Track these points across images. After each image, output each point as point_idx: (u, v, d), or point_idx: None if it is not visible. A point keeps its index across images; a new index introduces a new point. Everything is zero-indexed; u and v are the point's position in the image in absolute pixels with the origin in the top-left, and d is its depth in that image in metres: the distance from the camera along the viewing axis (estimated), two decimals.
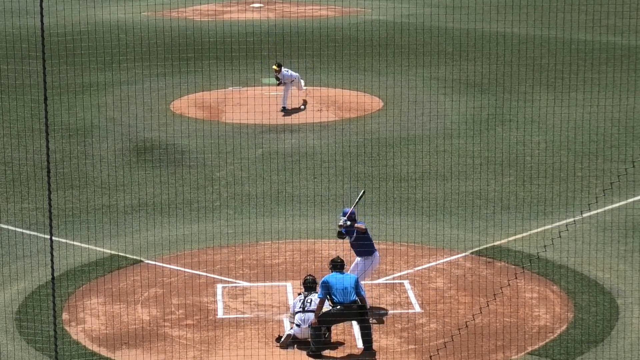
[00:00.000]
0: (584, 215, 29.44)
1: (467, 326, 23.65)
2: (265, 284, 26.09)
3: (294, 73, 41.58)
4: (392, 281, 26.25)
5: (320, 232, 29.17)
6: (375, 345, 23.03)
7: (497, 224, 29.66)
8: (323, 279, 23.13)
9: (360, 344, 23.09)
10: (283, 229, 29.31)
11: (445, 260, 27.53)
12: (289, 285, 25.99)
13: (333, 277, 23.18)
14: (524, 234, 28.97)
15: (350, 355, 22.77)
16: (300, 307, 23.26)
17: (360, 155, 35.47)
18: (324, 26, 54.79)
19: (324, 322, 23.09)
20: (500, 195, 31.72)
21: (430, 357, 22.48)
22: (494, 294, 24.91)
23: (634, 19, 53.25)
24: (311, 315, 22.90)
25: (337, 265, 23.47)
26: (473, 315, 24.17)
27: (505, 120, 39.01)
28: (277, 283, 26.13)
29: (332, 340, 23.28)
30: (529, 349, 23.10)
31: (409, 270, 26.85)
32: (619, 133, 36.94)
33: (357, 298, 23.15)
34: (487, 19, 54.07)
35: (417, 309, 24.94)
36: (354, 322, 23.57)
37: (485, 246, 28.21)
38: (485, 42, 49.71)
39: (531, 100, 41.10)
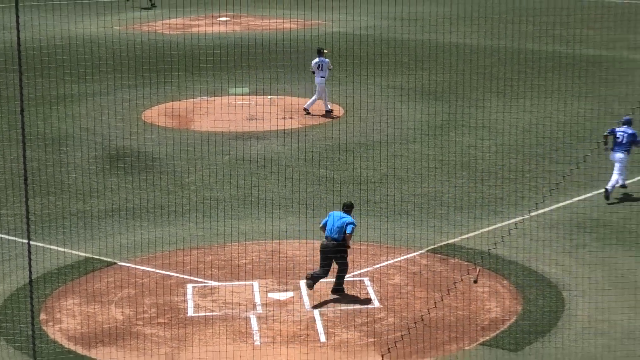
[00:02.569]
0: (532, 214, 29.57)
1: (422, 319, 23.74)
2: (233, 283, 26.13)
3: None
4: (352, 278, 26.29)
5: (285, 234, 29.22)
6: (335, 340, 23.11)
7: (451, 223, 29.78)
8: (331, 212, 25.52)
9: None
10: (250, 231, 29.36)
11: (402, 258, 27.63)
12: (255, 284, 26.03)
13: (336, 214, 25.27)
14: (476, 232, 29.10)
15: (312, 348, 22.83)
16: None
17: (322, 160, 35.55)
18: (287, 38, 54.73)
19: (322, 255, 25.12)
20: (454, 196, 31.84)
21: (389, 349, 22.56)
22: (448, 289, 25.01)
23: (578, 29, 53.54)
24: None
25: (345, 206, 25.43)
26: (428, 309, 24.27)
27: (458, 125, 39.17)
28: (244, 282, 26.16)
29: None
30: (481, 339, 23.22)
31: (369, 268, 26.93)
32: (564, 136, 37.13)
33: (340, 238, 24.81)
34: (441, 31, 54.32)
35: (377, 304, 25.01)
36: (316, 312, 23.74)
37: (440, 244, 28.31)
38: (439, 52, 49.90)
39: (482, 106, 41.29)
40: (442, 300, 24.66)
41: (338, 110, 41.74)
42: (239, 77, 46.28)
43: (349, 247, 25.14)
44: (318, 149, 36.75)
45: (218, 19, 61.99)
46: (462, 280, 25.58)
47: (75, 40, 49.72)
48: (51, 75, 40.93)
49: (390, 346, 22.68)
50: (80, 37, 52.60)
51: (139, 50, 47.78)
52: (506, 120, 38.97)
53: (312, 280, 24.96)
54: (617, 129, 31.84)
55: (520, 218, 29.24)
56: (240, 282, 26.15)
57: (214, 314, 24.52)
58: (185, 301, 25.21)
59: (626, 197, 31.40)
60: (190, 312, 24.69)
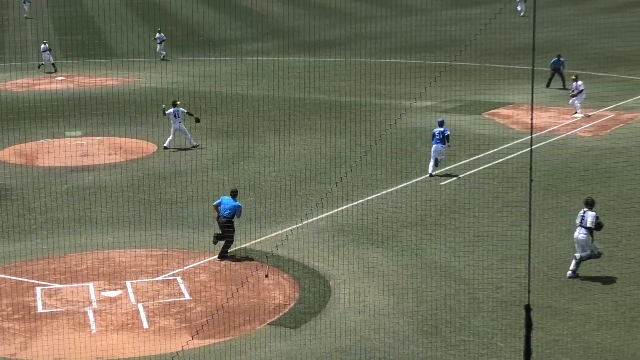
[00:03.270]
0: (304, 222, 29.74)
1: (223, 307, 23.58)
2: (73, 285, 25.49)
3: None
4: (167, 278, 25.97)
5: (113, 244, 28.66)
6: (155, 326, 22.74)
7: (243, 231, 29.65)
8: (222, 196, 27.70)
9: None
10: (85, 243, 28.70)
11: (206, 260, 27.41)
12: (91, 285, 25.46)
13: (226, 198, 27.43)
14: (263, 238, 29.07)
15: (138, 334, 22.39)
16: None
17: (141, 186, 35.00)
18: (110, 92, 53.97)
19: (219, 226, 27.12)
20: (245, 211, 31.69)
21: (197, 331, 22.31)
22: (242, 282, 24.91)
23: (335, 82, 54.30)
24: None
25: (232, 192, 27.46)
26: (227, 299, 24.12)
27: (246, 156, 39.13)
28: (82, 284, 25.56)
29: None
30: (269, 320, 23.18)
31: (180, 269, 26.64)
32: (326, 163, 37.48)
33: (230, 216, 26.98)
34: (231, 84, 54.28)
35: (187, 297, 24.75)
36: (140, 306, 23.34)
37: (235, 248, 28.17)
38: (229, 100, 49.84)
39: (264, 141, 41.36)
40: (237, 291, 24.55)
41: (153, 147, 41.14)
42: (73, 123, 45.40)
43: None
44: (137, 178, 36.18)
45: (56, 78, 60.54)
46: (252, 275, 25.52)
47: None
48: None
49: (198, 329, 22.44)
50: None
51: None
52: (282, 151, 39.18)
53: (216, 238, 27.21)
54: (435, 130, 35.09)
55: (295, 226, 29.37)
56: (79, 284, 25.54)
57: (59, 310, 23.87)
58: (35, 300, 24.48)
59: (375, 208, 31.82)
60: (40, 309, 23.97)
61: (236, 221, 27.67)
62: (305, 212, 30.72)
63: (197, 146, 40.66)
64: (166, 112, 40.85)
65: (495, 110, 46.53)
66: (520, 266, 26.08)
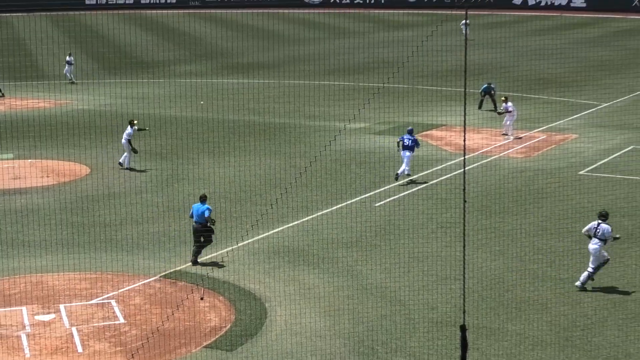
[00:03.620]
0: (240, 244, 29.69)
1: (158, 330, 23.40)
2: (6, 309, 25.11)
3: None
4: (101, 301, 25.70)
5: (46, 268, 28.30)
6: (90, 350, 22.48)
7: (178, 254, 29.52)
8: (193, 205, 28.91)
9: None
10: (17, 267, 28.31)
11: (141, 283, 27.19)
12: (24, 309, 25.09)
13: (195, 205, 28.55)
14: (198, 260, 28.89)
15: (72, 357, 22.10)
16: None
17: (74, 209, 34.63)
18: (42, 114, 53.38)
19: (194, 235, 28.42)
20: (179, 234, 31.58)
21: (132, 355, 22.11)
22: (177, 305, 24.76)
23: (268, 104, 54.34)
24: None
25: (201, 198, 28.53)
26: (162, 322, 23.95)
27: (180, 178, 38.95)
28: (15, 308, 25.19)
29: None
30: (204, 343, 23.06)
31: (114, 292, 26.38)
32: (261, 184, 37.47)
33: (203, 221, 28.12)
34: (164, 106, 54.05)
35: (122, 320, 24.52)
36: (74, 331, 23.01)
37: (170, 270, 28.03)
38: (163, 122, 49.60)
39: (198, 163, 41.19)
40: (173, 314, 24.39)
41: (85, 170, 40.73)
42: (4, 146, 44.80)
43: (213, 224, 28.44)
44: (70, 200, 35.80)
45: None
46: (187, 297, 25.37)
47: None
48: None
49: (133, 353, 22.24)
50: None
51: None
52: (217, 173, 39.10)
53: (195, 259, 28.15)
54: (404, 137, 37.82)
55: (230, 248, 29.29)
56: (12, 308, 25.16)
57: None
58: None
59: (310, 229, 31.84)
60: None
61: (210, 219, 28.56)
62: (241, 234, 30.66)
63: (121, 165, 40.43)
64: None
65: (429, 132, 46.93)
66: (455, 287, 26.28)
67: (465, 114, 18.62)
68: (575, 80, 60.23)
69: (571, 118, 49.67)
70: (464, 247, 20.84)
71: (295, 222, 32.34)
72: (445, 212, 33.22)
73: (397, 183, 37.16)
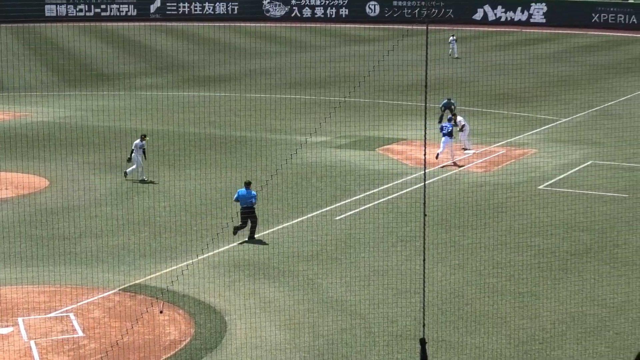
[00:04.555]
0: (199, 257, 29.64)
1: (117, 344, 23.31)
2: None
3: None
4: (60, 314, 25.56)
5: (4, 281, 28.09)
6: None
7: (137, 267, 29.44)
8: (238, 190, 31.97)
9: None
10: None
11: (100, 296, 27.07)
12: None
13: (242, 190, 31.64)
14: (157, 274, 28.87)
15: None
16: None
17: (33, 222, 34.42)
18: (1, 127, 53.00)
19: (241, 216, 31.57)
20: (139, 247, 31.51)
21: None
22: (137, 319, 24.68)
23: (229, 117, 54.31)
24: None
25: (246, 184, 31.69)
26: (122, 335, 23.85)
27: (140, 191, 38.81)
28: None
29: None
30: (164, 357, 23.00)
31: (73, 305, 26.25)
32: (221, 198, 37.42)
33: (252, 205, 31.23)
34: (124, 119, 53.86)
35: (80, 333, 24.40)
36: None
37: (129, 284, 27.93)
38: (122, 135, 49.40)
39: (158, 176, 41.06)
40: (132, 328, 24.30)
41: (44, 182, 40.50)
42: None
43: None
44: (29, 213, 35.58)
45: None
46: (147, 311, 25.29)
47: None
48: None
49: None
50: None
51: None
52: (177, 186, 39.02)
53: (235, 229, 31.45)
54: (443, 124, 43.67)
55: (191, 261, 29.24)
56: None
57: None
58: None
59: (270, 242, 31.86)
60: None
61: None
62: (201, 247, 30.62)
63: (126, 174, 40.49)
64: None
65: (389, 146, 47.14)
66: (415, 300, 26.40)
67: (425, 128, 18.75)
68: (534, 95, 60.83)
69: (530, 133, 50.10)
70: (423, 260, 20.98)
71: (256, 236, 32.32)
72: (406, 226, 33.38)
73: (356, 197, 37.26)
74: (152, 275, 28.73)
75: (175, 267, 29.28)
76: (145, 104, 60.77)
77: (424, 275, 20.59)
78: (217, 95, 63.66)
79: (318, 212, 35.43)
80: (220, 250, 30.98)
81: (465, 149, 45.70)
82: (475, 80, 66.35)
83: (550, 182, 39.73)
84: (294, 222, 34.12)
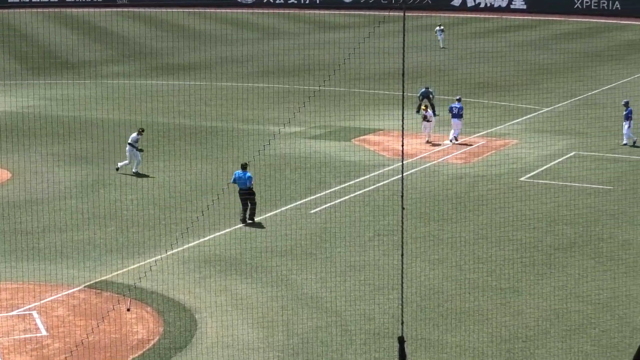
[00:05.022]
0: (168, 253, 29.42)
1: (83, 343, 23.06)
2: None
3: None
4: (22, 312, 25.28)
5: None
6: None
7: (103, 263, 29.20)
8: (235, 172, 33.25)
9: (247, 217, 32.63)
10: None
11: (64, 293, 26.82)
12: None
13: (238, 172, 32.93)
14: (124, 270, 28.64)
15: None
16: None
17: None
18: None
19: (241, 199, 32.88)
20: (105, 242, 31.26)
21: None
22: (103, 317, 24.43)
23: (199, 106, 54.03)
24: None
25: (242, 165, 32.82)
26: (87, 334, 23.61)
27: (106, 183, 38.50)
28: None
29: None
30: (131, 357, 22.78)
31: (36, 303, 25.98)
32: (191, 190, 37.19)
33: (250, 186, 32.56)
34: (90, 108, 53.42)
35: (44, 332, 24.15)
36: None
37: (95, 281, 27.70)
38: (88, 125, 49.06)
39: (125, 168, 40.67)
40: (98, 326, 24.06)
41: (6, 174, 40.11)
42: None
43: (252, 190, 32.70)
44: None
45: None
46: (113, 309, 25.06)
47: None
48: None
49: None
50: None
51: None
52: (144, 178, 38.72)
53: (243, 220, 32.59)
54: (452, 105, 45.28)
55: (159, 257, 29.03)
56: None
57: None
58: None
59: (242, 237, 31.68)
60: None
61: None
62: (170, 242, 30.41)
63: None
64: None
65: (365, 137, 47.01)
66: (393, 297, 26.29)
67: (403, 118, 18.58)
68: (515, 84, 60.84)
69: (511, 123, 50.11)
70: (402, 255, 20.80)
71: (227, 230, 32.16)
72: (383, 219, 33.26)
73: (332, 189, 37.12)
74: (119, 272, 28.49)
75: (143, 262, 29.05)
76: (112, 92, 60.39)
77: (402, 271, 20.43)
78: (186, 84, 63.34)
79: (292, 205, 35.25)
80: (190, 245, 30.77)
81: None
82: (454, 69, 66.31)
83: (532, 173, 39.71)
84: (267, 215, 33.93)
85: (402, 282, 21.38)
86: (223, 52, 78.35)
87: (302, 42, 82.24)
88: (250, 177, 32.82)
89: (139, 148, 39.92)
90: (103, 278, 27.90)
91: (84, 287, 27.30)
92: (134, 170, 39.84)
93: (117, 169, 40.12)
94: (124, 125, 48.93)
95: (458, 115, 44.73)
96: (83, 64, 73.57)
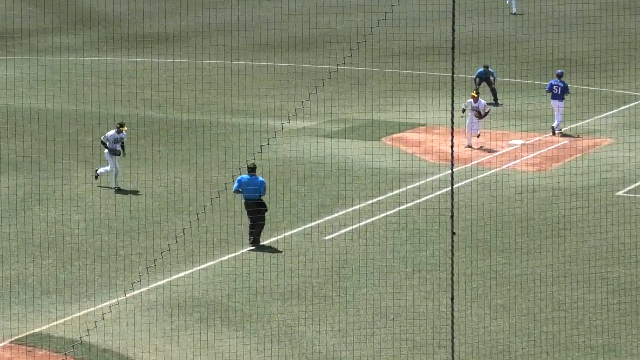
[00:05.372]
0: (128, 295, 29.31)
1: None
2: None
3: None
4: None
5: None
6: None
7: (37, 309, 29.09)
8: (240, 177, 33.14)
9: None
10: None
11: None
12: None
13: (244, 177, 33.02)
14: (66, 319, 28.56)
15: None
16: None
17: None
18: None
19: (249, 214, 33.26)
20: (40, 279, 31.18)
21: None
22: None
23: (172, 93, 54.05)
24: None
25: (250, 168, 33.02)
26: None
27: (43, 199, 38.45)
28: None
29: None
30: None
31: None
32: (160, 208, 37.12)
33: (257, 197, 32.91)
34: (21, 95, 53.48)
35: None
36: None
37: (25, 334, 27.59)
38: (17, 118, 49.07)
39: (69, 177, 40.72)
40: None
41: None
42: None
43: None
44: None
45: None
46: None
47: None
48: None
49: None
50: None
51: None
52: (96, 192, 38.69)
53: (254, 241, 33.17)
54: (553, 81, 46.57)
55: (115, 300, 28.92)
56: None
57: None
58: None
59: (231, 273, 31.58)
60: None
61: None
62: (130, 279, 30.33)
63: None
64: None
65: (400, 135, 47.00)
66: (440, 358, 26.16)
67: (453, 109, 18.42)
68: (609, 62, 60.62)
69: (604, 115, 50.04)
70: (451, 299, 20.69)
71: (210, 263, 32.13)
72: (425, 250, 33.16)
73: (354, 207, 37.04)
74: (59, 321, 28.41)
75: (92, 308, 28.97)
76: (52, 73, 60.55)
77: (452, 321, 20.34)
78: (154, 62, 63.43)
79: (299, 229, 35.23)
80: (158, 283, 30.72)
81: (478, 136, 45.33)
82: (525, 41, 66.23)
83: (632, 186, 39.60)
84: (264, 243, 33.87)
85: (453, 337, 21.25)
86: (205, 18, 78.48)
87: (315, 4, 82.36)
88: (263, 183, 33.35)
89: (117, 150, 39.65)
90: (36, 330, 27.80)
91: (10, 342, 27.21)
92: (113, 186, 39.60)
93: (96, 177, 40.09)
94: (67, 119, 48.97)
95: (560, 96, 45.61)
96: (12, 33, 73.83)
